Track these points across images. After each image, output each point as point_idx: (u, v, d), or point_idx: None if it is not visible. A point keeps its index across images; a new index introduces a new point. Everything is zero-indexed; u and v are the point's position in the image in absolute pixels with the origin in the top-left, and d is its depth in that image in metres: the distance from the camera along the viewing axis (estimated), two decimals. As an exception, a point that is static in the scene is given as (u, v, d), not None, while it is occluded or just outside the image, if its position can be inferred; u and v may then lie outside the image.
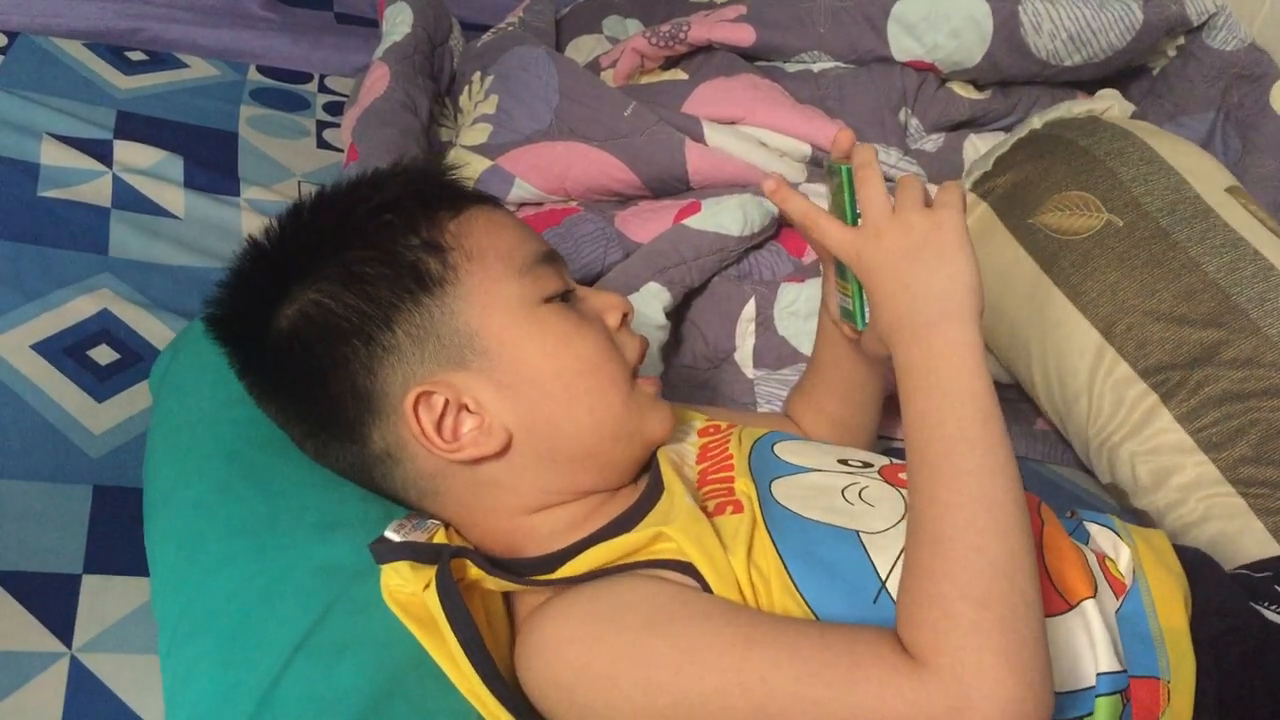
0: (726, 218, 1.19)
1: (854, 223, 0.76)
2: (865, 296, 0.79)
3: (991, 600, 0.62)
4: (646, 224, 1.23)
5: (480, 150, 1.32)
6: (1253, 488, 1.04)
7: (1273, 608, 0.79)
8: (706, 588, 0.70)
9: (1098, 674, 0.70)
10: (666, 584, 0.71)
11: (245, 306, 0.81)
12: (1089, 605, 0.73)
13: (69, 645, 0.82)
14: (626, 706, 0.67)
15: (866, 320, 0.80)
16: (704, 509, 0.76)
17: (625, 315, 0.84)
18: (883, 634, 0.65)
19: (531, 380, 0.77)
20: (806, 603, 0.70)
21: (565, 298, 0.82)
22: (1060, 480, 1.20)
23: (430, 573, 0.73)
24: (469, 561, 0.73)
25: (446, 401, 0.76)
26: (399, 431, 0.77)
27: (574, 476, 0.80)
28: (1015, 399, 1.28)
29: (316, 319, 0.77)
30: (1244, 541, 1.03)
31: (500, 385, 0.77)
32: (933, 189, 0.76)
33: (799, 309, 1.18)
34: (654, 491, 0.79)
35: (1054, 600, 0.73)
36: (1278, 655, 0.74)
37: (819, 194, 1.29)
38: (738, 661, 0.65)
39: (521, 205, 1.31)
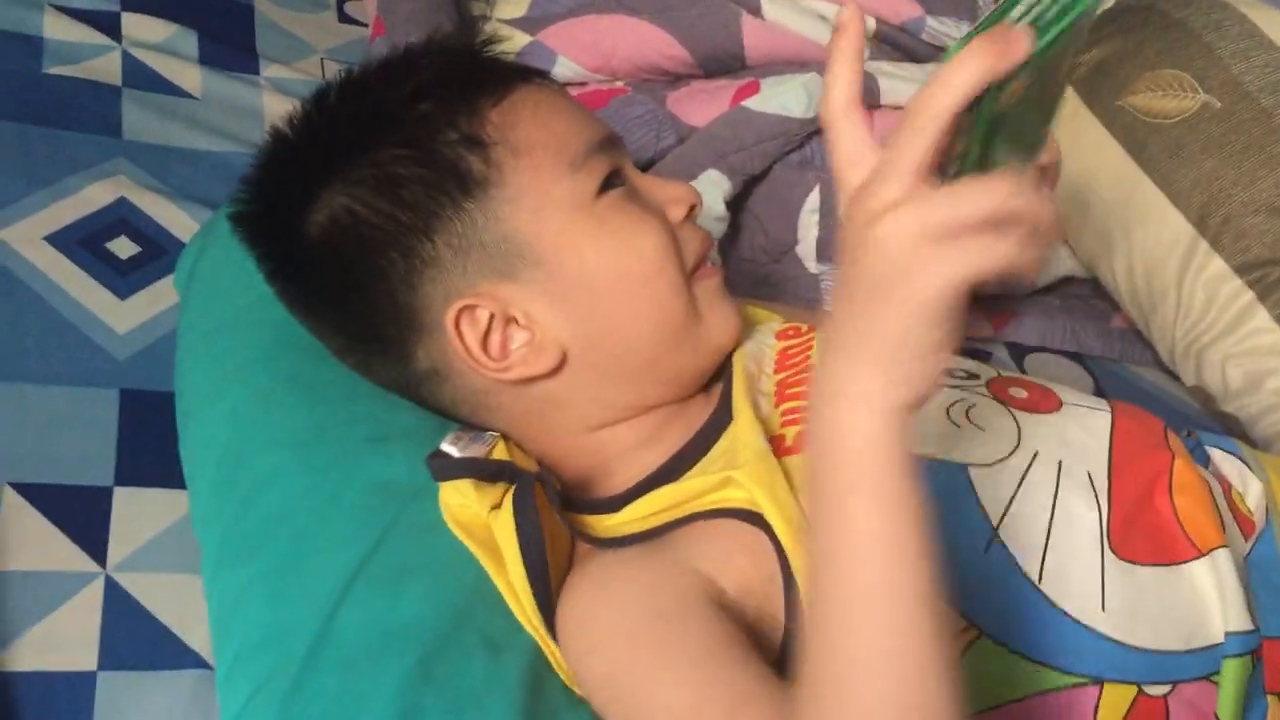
0: (789, 98, 1.10)
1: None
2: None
3: None
4: (701, 106, 1.14)
5: (518, 24, 1.22)
6: (1359, 393, 0.97)
7: None
8: (774, 539, 0.63)
9: (1227, 633, 0.64)
10: (702, 611, 0.61)
11: (271, 208, 0.73)
12: (1222, 554, 0.65)
13: (103, 565, 0.77)
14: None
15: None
16: (778, 438, 0.69)
17: (693, 208, 0.75)
18: None
19: (589, 289, 0.70)
20: None
21: (618, 181, 0.72)
22: (1142, 383, 1.13)
23: (496, 492, 0.68)
24: (542, 490, 0.67)
25: (492, 316, 0.69)
26: (444, 348, 0.70)
27: (637, 390, 0.73)
28: (1089, 295, 1.20)
29: (349, 228, 0.69)
30: (1346, 450, 0.97)
31: (553, 296, 0.69)
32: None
33: (866, 198, 1.09)
34: (722, 415, 0.72)
35: (1183, 546, 0.66)
36: None
37: (885, 72, 1.19)
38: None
39: (564, 86, 1.22)
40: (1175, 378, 1.13)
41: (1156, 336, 1.11)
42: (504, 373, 0.70)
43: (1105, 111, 1.12)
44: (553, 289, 0.69)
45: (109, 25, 1.22)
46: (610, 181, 0.72)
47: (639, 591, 0.63)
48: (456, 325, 0.69)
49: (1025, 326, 1.15)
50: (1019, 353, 1.14)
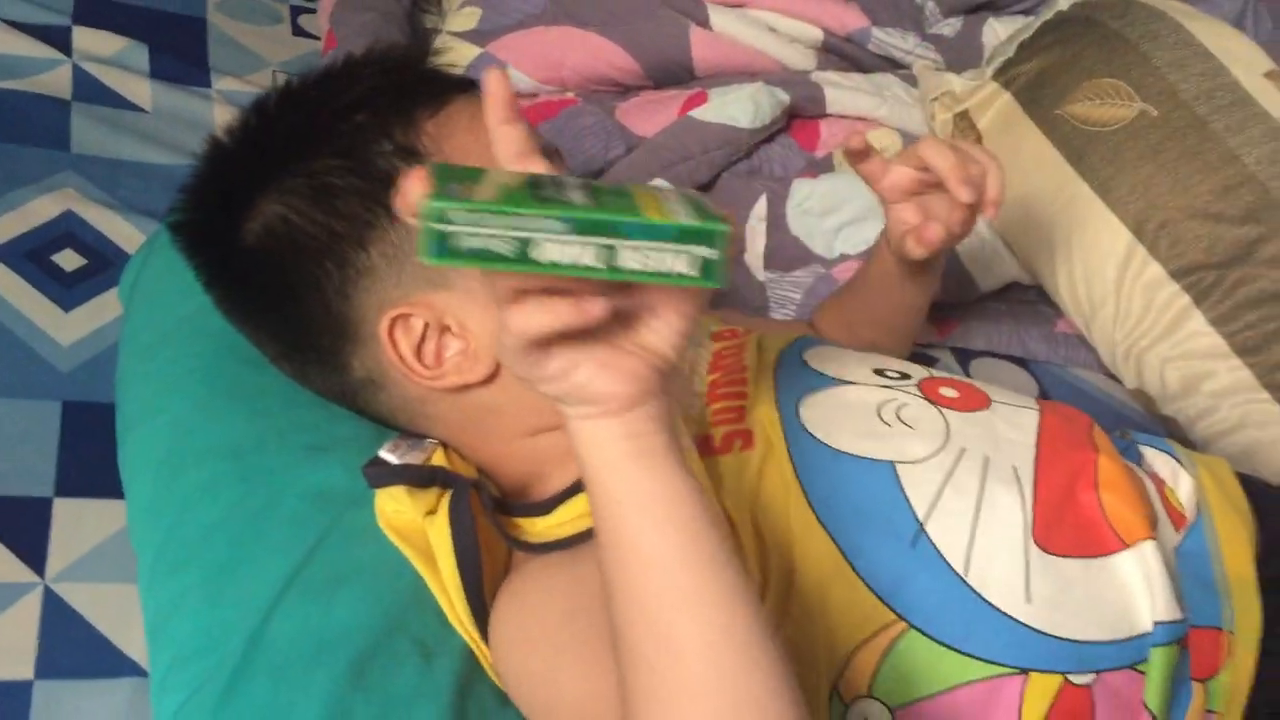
0: (736, 109, 1.12)
1: None
2: None
3: None
4: (650, 116, 1.15)
5: (469, 37, 1.23)
6: (1292, 394, 0.99)
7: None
8: None
9: (1155, 622, 0.65)
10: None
11: (208, 216, 0.74)
12: (1148, 547, 0.67)
13: (42, 575, 0.77)
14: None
15: None
16: (707, 438, 0.71)
17: None
18: None
19: None
20: (840, 550, 0.65)
21: None
22: (1086, 386, 1.15)
23: (430, 498, 0.69)
24: (477, 497, 0.68)
25: (426, 325, 0.69)
26: (379, 357, 0.70)
27: None
28: (1034, 300, 1.22)
29: (284, 236, 0.69)
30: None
31: (486, 305, 0.69)
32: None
33: (812, 206, 1.11)
34: None
35: (1108, 539, 0.67)
36: None
37: (831, 82, 1.21)
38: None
39: (514, 96, 1.23)
40: (1118, 381, 1.14)
41: (1098, 341, 1.13)
42: (438, 380, 0.70)
43: (1044, 119, 1.13)
44: (486, 298, 0.70)
45: (60, 40, 1.22)
46: None
47: (557, 594, 0.64)
48: (391, 334, 0.69)
49: (971, 331, 1.16)
50: (964, 358, 1.15)
